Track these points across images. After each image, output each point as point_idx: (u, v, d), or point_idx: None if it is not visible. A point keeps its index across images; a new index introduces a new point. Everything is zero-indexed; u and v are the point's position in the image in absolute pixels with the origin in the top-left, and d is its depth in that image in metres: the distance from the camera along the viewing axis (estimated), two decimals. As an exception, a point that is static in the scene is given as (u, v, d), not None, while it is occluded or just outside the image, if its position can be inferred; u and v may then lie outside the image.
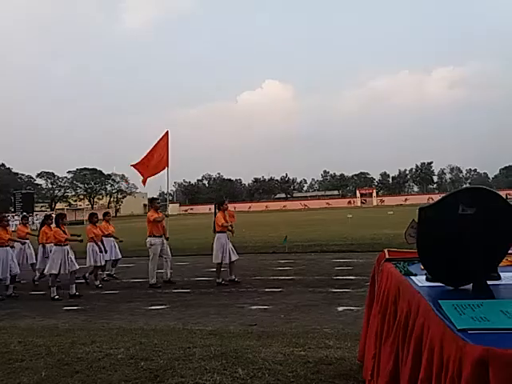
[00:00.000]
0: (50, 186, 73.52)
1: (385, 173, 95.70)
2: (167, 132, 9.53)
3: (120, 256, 9.83)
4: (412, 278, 2.13)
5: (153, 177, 9.70)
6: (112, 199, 76.36)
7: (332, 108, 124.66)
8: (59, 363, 3.72)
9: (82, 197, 74.93)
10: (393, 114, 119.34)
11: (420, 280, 2.05)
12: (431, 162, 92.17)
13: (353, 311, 5.62)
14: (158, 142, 9.48)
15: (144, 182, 9.67)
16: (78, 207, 63.58)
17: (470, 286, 1.86)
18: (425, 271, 2.02)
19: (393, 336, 2.03)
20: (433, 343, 1.49)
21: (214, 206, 8.57)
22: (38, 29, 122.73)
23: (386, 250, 2.85)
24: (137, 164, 9.45)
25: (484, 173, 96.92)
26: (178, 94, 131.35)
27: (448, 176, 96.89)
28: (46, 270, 7.99)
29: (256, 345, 4.04)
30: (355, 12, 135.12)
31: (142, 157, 9.50)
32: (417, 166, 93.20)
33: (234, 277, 8.16)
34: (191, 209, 70.09)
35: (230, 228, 8.33)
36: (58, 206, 67.49)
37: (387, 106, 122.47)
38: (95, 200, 75.80)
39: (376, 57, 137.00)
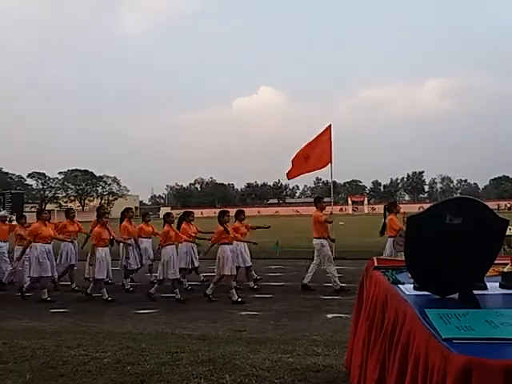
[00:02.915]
0: (41, 186, 72.85)
1: (376, 181, 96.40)
2: (330, 126, 8.77)
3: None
4: (400, 286, 2.14)
5: (308, 173, 9.08)
6: (103, 201, 75.76)
7: (325, 116, 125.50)
8: (44, 366, 3.67)
9: (72, 198, 74.28)
10: (385, 124, 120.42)
11: (407, 288, 2.06)
12: (422, 172, 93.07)
13: (342, 318, 5.63)
14: (318, 136, 8.78)
15: (293, 176, 9.10)
16: (69, 208, 62.99)
17: (456, 296, 1.88)
18: (412, 280, 2.03)
19: (380, 344, 2.03)
20: (418, 352, 1.50)
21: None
22: (36, 31, 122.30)
23: (375, 258, 2.87)
24: (295, 158, 8.85)
25: (474, 183, 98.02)
26: (172, 98, 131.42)
27: (439, 185, 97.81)
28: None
29: (244, 351, 4.02)
30: (350, 22, 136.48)
31: (298, 151, 8.92)
32: (408, 175, 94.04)
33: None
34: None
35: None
36: (49, 206, 66.82)
37: (379, 116, 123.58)
38: (86, 202, 75.21)
39: (368, 67, 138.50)
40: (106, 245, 7.57)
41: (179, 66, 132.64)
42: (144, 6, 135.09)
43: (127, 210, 9.00)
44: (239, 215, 8.25)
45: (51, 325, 5.81)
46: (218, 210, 9.31)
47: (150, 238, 8.89)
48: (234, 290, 6.96)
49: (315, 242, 7.69)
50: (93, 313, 6.55)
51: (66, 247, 8.48)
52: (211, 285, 7.20)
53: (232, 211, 7.78)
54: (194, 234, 8.14)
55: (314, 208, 7.91)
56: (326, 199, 8.35)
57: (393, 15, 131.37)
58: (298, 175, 9.18)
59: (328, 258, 7.63)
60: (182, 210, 9.25)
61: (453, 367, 1.23)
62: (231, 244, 7.26)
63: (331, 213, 8.36)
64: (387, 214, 7.84)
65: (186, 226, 8.04)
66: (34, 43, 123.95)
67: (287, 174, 9.24)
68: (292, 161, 9.06)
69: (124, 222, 8.60)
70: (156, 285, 7.38)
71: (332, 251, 8.07)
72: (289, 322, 5.62)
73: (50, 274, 7.51)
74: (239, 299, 6.89)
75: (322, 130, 8.82)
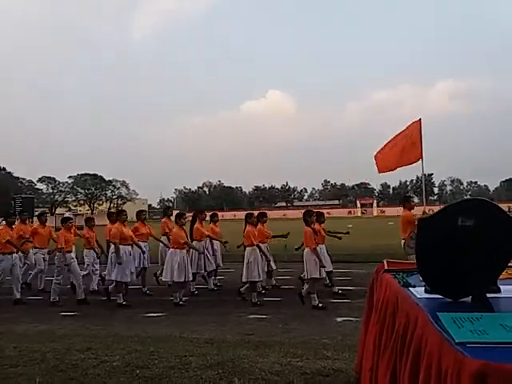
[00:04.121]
0: (51, 190, 73.60)
1: (385, 183, 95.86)
2: (420, 120, 8.36)
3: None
4: (411, 289, 2.11)
5: (397, 169, 8.59)
6: (112, 205, 76.31)
7: (334, 119, 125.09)
8: (54, 369, 3.69)
9: (82, 202, 74.92)
10: (393, 126, 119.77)
11: (419, 291, 2.03)
12: (432, 174, 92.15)
13: (352, 322, 5.58)
14: (408, 130, 8.39)
15: (386, 170, 8.69)
16: (78, 212, 63.55)
17: (469, 299, 1.84)
18: (423, 283, 2.00)
19: (391, 348, 2.00)
20: (431, 356, 1.47)
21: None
22: (46, 40, 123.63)
23: (385, 261, 2.84)
24: (382, 152, 8.59)
25: (485, 185, 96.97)
26: (180, 102, 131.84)
27: (448, 188, 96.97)
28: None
29: (253, 354, 4.00)
30: (358, 25, 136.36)
31: (386, 144, 8.61)
32: (417, 178, 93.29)
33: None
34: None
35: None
36: (58, 211, 67.42)
37: (389, 117, 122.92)
38: (95, 205, 75.79)
39: (377, 69, 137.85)
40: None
41: (188, 69, 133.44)
42: (153, 7, 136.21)
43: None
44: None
45: (61, 328, 5.84)
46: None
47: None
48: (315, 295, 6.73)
49: (405, 242, 7.58)
50: (102, 316, 6.57)
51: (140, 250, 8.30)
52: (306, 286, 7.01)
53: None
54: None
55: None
56: (415, 199, 8.14)
57: (405, 16, 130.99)
58: (391, 170, 8.85)
59: None
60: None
61: (467, 372, 1.20)
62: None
63: (424, 212, 7.91)
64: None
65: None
66: (38, 43, 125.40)
67: (378, 169, 8.93)
68: (377, 155, 8.75)
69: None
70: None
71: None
72: (298, 326, 5.58)
73: (128, 280, 7.47)
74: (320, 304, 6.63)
75: (409, 124, 8.45)
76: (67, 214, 10.21)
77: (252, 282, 7.15)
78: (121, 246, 7.37)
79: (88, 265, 8.57)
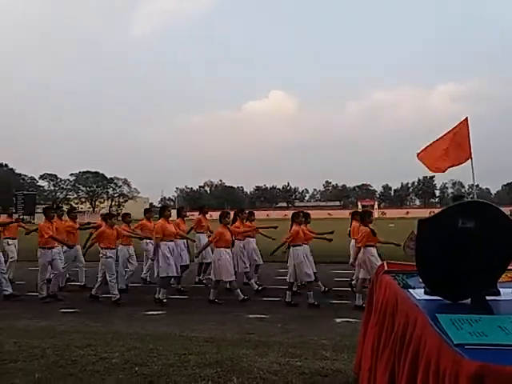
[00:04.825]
0: (53, 188, 73.73)
1: (387, 185, 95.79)
2: (467, 119, 8.23)
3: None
4: (410, 290, 2.11)
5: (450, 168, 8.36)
6: (113, 203, 76.41)
7: (335, 120, 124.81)
8: (53, 365, 3.70)
9: (83, 200, 75.01)
10: (396, 127, 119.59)
11: (418, 293, 2.04)
12: (433, 176, 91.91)
13: (351, 323, 5.58)
14: (456, 129, 8.21)
15: (436, 170, 8.52)
16: (80, 210, 63.72)
17: (468, 301, 1.85)
18: (423, 284, 2.00)
19: (389, 349, 2.01)
20: (429, 357, 1.48)
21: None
22: (47, 39, 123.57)
23: (385, 262, 2.84)
24: (424, 152, 8.36)
25: (486, 188, 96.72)
26: (182, 102, 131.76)
27: (450, 190, 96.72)
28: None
29: (252, 354, 4.01)
30: (360, 26, 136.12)
31: (429, 144, 8.42)
32: (419, 180, 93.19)
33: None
34: (192, 215, 70.10)
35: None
36: (60, 207, 67.56)
37: (391, 119, 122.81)
38: (96, 203, 75.88)
39: (379, 70, 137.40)
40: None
41: (189, 68, 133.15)
42: (153, 7, 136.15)
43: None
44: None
45: (61, 324, 5.86)
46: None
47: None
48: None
49: None
50: (102, 313, 6.58)
51: (179, 247, 8.20)
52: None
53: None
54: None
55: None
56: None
57: (406, 17, 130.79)
58: (441, 171, 8.73)
59: None
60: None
61: (465, 373, 1.21)
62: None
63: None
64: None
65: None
66: (42, 43, 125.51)
67: (429, 168, 8.81)
68: (423, 154, 8.62)
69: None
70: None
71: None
72: (297, 326, 5.59)
73: (175, 274, 7.42)
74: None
75: (458, 123, 8.32)
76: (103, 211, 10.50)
77: (309, 282, 7.02)
78: (165, 242, 7.33)
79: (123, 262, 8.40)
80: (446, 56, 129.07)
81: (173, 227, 7.67)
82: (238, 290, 7.15)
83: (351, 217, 8.91)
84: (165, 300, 7.12)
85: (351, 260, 7.52)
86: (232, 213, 8.51)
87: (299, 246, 7.08)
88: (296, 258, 6.99)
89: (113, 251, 7.50)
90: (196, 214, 10.26)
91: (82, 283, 8.73)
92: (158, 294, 7.16)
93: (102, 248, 7.44)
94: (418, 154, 8.53)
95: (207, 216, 9.61)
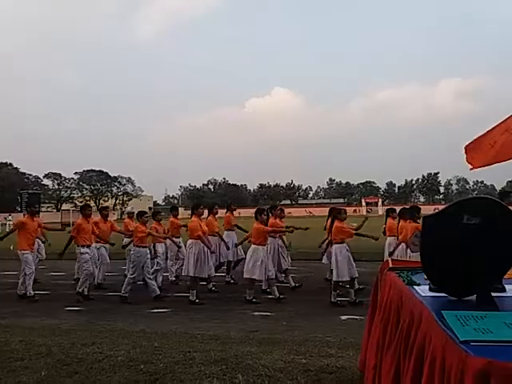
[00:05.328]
0: (57, 186, 74.02)
1: (391, 182, 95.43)
2: None
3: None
4: (415, 287, 2.11)
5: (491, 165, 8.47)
6: (117, 201, 76.61)
7: (339, 117, 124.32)
8: (59, 363, 3.72)
9: (87, 198, 75.24)
10: (400, 124, 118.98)
11: (423, 290, 2.03)
12: (438, 173, 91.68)
13: (356, 320, 5.57)
14: (503, 124, 8.16)
15: (478, 166, 8.57)
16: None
17: (473, 297, 1.84)
18: (428, 281, 2.00)
19: (394, 346, 2.00)
20: (435, 354, 1.47)
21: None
22: (51, 39, 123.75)
23: (389, 259, 2.84)
24: (476, 146, 8.42)
25: (491, 185, 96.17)
26: (185, 99, 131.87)
27: (454, 187, 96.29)
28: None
29: (257, 351, 4.01)
30: (365, 24, 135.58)
31: (477, 138, 8.47)
32: (423, 177, 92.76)
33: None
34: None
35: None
36: (64, 206, 67.80)
37: (394, 116, 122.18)
38: (101, 202, 76.11)
39: (383, 68, 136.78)
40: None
41: (192, 66, 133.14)
42: (156, 7, 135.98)
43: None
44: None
45: (66, 322, 5.89)
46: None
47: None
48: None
49: None
50: (107, 311, 6.62)
51: (215, 245, 8.16)
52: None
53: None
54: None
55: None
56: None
57: (405, 16, 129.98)
58: (487, 164, 8.55)
59: None
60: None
61: (471, 370, 1.20)
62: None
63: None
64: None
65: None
66: (43, 43, 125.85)
67: (471, 163, 8.69)
68: (470, 148, 8.48)
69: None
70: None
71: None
72: (302, 323, 5.59)
73: (205, 275, 7.37)
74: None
75: (506, 118, 8.16)
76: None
77: (336, 282, 6.69)
78: (195, 242, 7.25)
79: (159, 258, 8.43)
80: (453, 54, 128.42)
81: (205, 226, 7.57)
82: (275, 288, 6.97)
83: (386, 214, 8.69)
84: (197, 300, 6.99)
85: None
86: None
87: (342, 243, 6.80)
88: (339, 255, 6.69)
89: (145, 249, 7.53)
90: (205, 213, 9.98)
91: (99, 282, 8.60)
92: (191, 296, 7.05)
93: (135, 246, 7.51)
94: (467, 146, 8.43)
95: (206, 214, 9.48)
